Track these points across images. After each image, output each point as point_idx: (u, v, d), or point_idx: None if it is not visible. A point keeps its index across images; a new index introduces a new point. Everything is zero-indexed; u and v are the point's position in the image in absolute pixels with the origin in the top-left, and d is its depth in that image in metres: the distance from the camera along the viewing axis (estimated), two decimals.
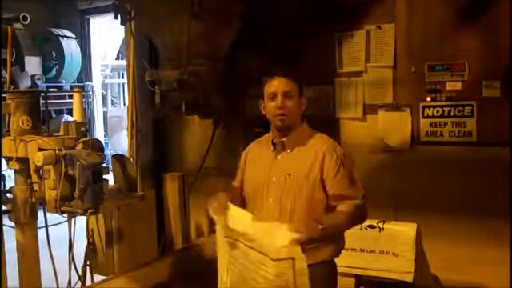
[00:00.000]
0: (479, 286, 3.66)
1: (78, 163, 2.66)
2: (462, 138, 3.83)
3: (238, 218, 2.30)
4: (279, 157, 2.49)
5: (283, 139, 2.48)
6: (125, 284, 3.24)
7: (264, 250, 2.17)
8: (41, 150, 2.77)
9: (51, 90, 9.35)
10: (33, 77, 9.10)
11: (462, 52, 3.78)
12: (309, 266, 2.38)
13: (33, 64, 9.32)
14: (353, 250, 3.40)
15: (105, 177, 2.95)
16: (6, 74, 5.12)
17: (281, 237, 2.12)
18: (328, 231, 2.28)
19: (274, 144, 2.51)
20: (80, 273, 3.56)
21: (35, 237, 3.10)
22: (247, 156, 2.67)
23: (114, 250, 3.80)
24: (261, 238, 2.19)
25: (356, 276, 3.54)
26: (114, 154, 6.66)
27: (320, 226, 2.22)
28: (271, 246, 2.14)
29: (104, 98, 12.73)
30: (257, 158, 2.60)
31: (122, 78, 13.52)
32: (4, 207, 3.02)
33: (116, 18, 4.21)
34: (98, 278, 3.65)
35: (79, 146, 2.88)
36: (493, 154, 3.68)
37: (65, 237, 3.38)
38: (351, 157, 2.50)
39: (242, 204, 2.58)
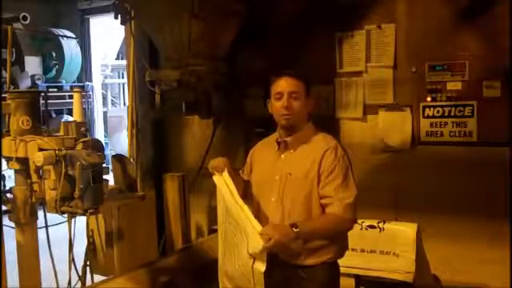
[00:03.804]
0: (479, 286, 3.66)
1: (78, 163, 2.66)
2: (463, 138, 3.83)
3: (227, 188, 2.40)
4: (283, 156, 2.50)
5: (286, 138, 2.49)
6: (125, 284, 3.24)
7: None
8: (41, 150, 2.77)
9: (51, 89, 9.36)
10: (33, 77, 9.11)
11: (462, 52, 3.78)
12: (311, 267, 2.40)
13: (33, 64, 9.32)
14: (353, 250, 3.38)
15: (105, 177, 2.95)
16: (6, 74, 5.12)
17: (252, 241, 2.19)
18: (306, 235, 2.30)
19: (278, 143, 2.52)
20: (80, 273, 3.56)
21: (35, 237, 3.09)
22: (254, 154, 2.69)
23: (114, 250, 3.80)
24: (239, 225, 2.30)
25: (356, 276, 3.54)
26: (114, 154, 6.66)
27: (295, 230, 2.23)
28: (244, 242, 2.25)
29: (104, 98, 12.74)
30: (263, 156, 2.62)
31: (122, 78, 13.53)
32: (4, 207, 3.01)
33: (116, 17, 4.21)
34: (98, 278, 3.65)
35: (79, 146, 2.88)
36: (493, 154, 3.68)
37: (65, 237, 3.38)
38: (351, 159, 2.49)
39: (245, 199, 2.59)
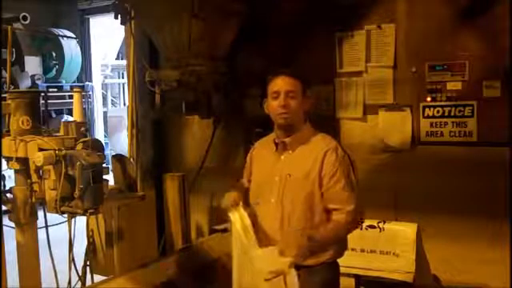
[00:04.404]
0: (479, 286, 3.66)
1: (78, 163, 2.66)
2: (463, 138, 3.83)
3: (243, 225, 2.39)
4: (282, 157, 2.50)
5: (285, 139, 2.48)
6: (125, 284, 3.23)
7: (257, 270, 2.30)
8: (41, 150, 2.77)
9: (51, 89, 9.36)
10: (33, 77, 9.11)
11: (462, 52, 3.77)
12: (311, 267, 2.41)
13: (33, 64, 9.32)
14: (353, 250, 3.39)
15: (105, 177, 2.95)
16: (6, 74, 5.12)
17: (273, 261, 2.23)
18: (320, 244, 2.36)
19: (276, 144, 2.51)
20: (80, 273, 3.56)
21: (35, 237, 3.09)
22: (252, 155, 2.68)
23: (114, 250, 3.80)
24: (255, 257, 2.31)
25: (356, 276, 3.55)
26: (114, 154, 6.66)
27: (311, 243, 2.30)
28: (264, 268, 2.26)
29: (104, 98, 12.74)
30: (262, 157, 2.62)
31: (122, 77, 13.53)
32: (4, 207, 3.01)
33: (116, 17, 4.21)
34: (98, 278, 3.65)
35: (79, 146, 2.88)
36: (493, 154, 3.67)
37: (65, 237, 3.38)
38: (352, 160, 2.49)
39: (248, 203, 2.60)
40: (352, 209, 2.37)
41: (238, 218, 2.42)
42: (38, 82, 9.11)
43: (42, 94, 3.56)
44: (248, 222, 2.39)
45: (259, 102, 2.59)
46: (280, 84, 2.44)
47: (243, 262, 2.42)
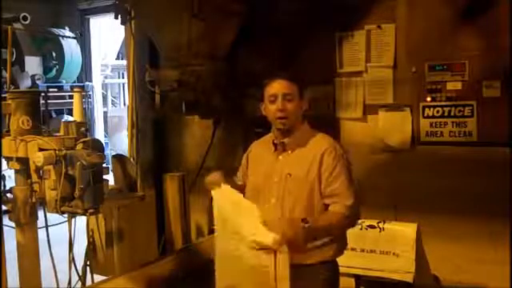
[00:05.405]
0: (479, 286, 3.66)
1: (78, 163, 2.66)
2: (463, 138, 3.83)
3: (227, 200, 2.37)
4: (280, 157, 2.50)
5: (284, 140, 2.49)
6: (125, 284, 3.24)
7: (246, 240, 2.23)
8: (41, 150, 2.77)
9: (51, 89, 9.36)
10: (33, 77, 9.11)
11: (462, 52, 3.78)
12: (311, 265, 2.41)
13: (33, 64, 9.32)
14: (353, 249, 3.39)
15: (105, 177, 2.95)
16: (6, 74, 5.13)
17: (261, 236, 2.17)
18: (315, 231, 2.30)
19: (275, 144, 2.52)
20: (80, 273, 3.56)
21: (35, 237, 3.09)
22: (249, 156, 2.68)
23: (114, 250, 3.80)
24: (243, 227, 2.25)
25: (356, 276, 3.55)
26: (114, 154, 6.66)
27: (306, 225, 2.23)
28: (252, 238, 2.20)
29: (104, 98, 12.73)
30: (259, 158, 2.62)
31: (122, 77, 13.53)
32: (4, 207, 3.01)
33: (116, 17, 4.22)
34: (98, 277, 3.65)
35: (79, 146, 2.88)
36: (493, 154, 3.68)
37: (65, 237, 3.38)
38: (349, 158, 2.50)
39: None
40: (351, 203, 2.37)
41: (221, 196, 2.40)
42: (38, 82, 9.12)
43: (42, 94, 3.56)
44: (236, 195, 2.36)
45: (258, 105, 2.59)
46: (277, 87, 2.45)
47: (226, 246, 2.37)
